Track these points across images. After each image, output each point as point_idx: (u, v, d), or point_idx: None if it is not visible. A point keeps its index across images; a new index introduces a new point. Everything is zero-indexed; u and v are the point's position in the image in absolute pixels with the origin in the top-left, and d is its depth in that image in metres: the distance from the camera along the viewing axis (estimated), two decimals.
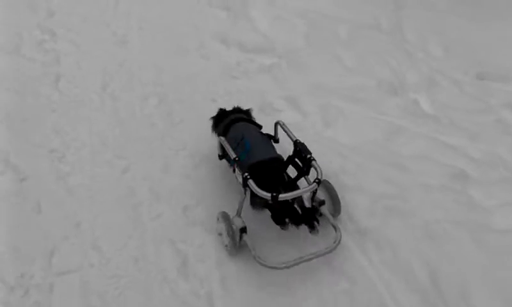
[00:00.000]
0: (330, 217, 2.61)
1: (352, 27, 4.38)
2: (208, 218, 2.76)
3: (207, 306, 2.41)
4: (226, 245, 2.56)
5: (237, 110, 3.03)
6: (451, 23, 4.43)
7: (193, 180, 2.99)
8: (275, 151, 2.71)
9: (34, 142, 3.13)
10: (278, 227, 2.49)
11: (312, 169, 2.56)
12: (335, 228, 2.55)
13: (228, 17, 4.46)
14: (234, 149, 2.61)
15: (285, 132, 2.75)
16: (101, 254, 2.57)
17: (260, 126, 2.88)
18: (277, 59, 4.01)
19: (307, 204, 2.57)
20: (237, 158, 2.54)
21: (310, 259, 2.45)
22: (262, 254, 2.46)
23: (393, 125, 3.42)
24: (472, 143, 3.30)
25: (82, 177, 2.94)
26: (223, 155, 2.76)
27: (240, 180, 2.47)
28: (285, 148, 2.81)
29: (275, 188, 2.39)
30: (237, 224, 2.51)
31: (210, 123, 3.04)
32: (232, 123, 2.83)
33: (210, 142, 3.05)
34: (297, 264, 2.42)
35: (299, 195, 2.48)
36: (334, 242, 2.49)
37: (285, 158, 2.69)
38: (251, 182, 2.40)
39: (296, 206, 2.52)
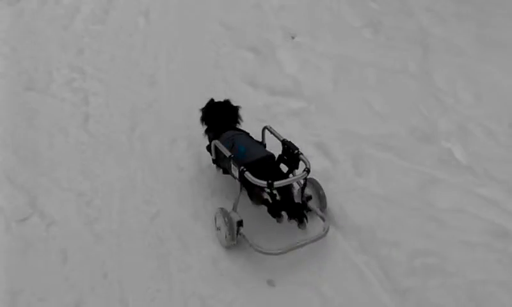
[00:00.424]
0: (317, 210, 2.87)
1: (380, 71, 4.34)
2: (239, 271, 2.66)
3: None
4: (225, 237, 2.72)
5: (227, 104, 3.23)
6: (481, 69, 4.36)
7: None
8: (268, 151, 2.92)
9: (62, 185, 3.09)
10: (271, 223, 2.70)
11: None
12: (323, 218, 2.81)
13: (255, 59, 4.46)
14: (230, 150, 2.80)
15: (273, 134, 2.98)
16: None
17: (247, 133, 3.08)
18: (305, 103, 3.97)
19: (297, 200, 2.80)
20: (232, 155, 2.72)
21: (303, 245, 2.66)
22: (259, 243, 2.62)
23: (427, 175, 3.31)
24: (510, 197, 3.18)
25: (110, 223, 2.87)
26: (217, 159, 2.95)
27: (237, 174, 2.64)
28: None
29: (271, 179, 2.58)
30: (234, 218, 2.70)
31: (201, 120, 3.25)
32: (220, 133, 3.01)
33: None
34: (291, 249, 2.62)
35: (292, 182, 2.74)
36: (323, 230, 2.73)
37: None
38: (248, 174, 2.58)
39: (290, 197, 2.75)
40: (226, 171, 2.92)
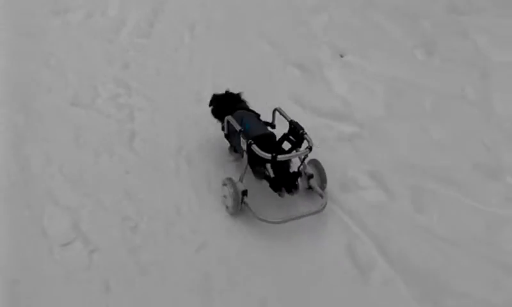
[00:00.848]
0: (318, 187, 3.07)
1: (436, 97, 4.07)
2: None
3: None
4: (227, 207, 2.94)
5: (229, 95, 3.39)
6: None
7: (270, 269, 2.72)
8: (268, 130, 3.08)
9: (106, 207, 2.97)
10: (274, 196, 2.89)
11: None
12: (321, 195, 3.02)
13: (303, 78, 4.28)
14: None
15: (282, 115, 3.11)
16: None
17: (257, 114, 3.24)
18: (357, 128, 3.75)
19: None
20: (242, 129, 2.92)
21: (303, 216, 2.88)
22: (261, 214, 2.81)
23: (495, 215, 3.04)
24: None
25: (156, 253, 2.73)
26: (228, 134, 3.17)
27: (245, 147, 2.86)
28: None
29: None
30: (239, 187, 2.90)
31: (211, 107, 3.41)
32: (234, 111, 3.20)
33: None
34: (292, 220, 2.84)
35: (295, 157, 2.95)
36: (321, 205, 2.94)
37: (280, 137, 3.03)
38: (254, 146, 2.79)
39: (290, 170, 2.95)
40: (235, 150, 3.22)
